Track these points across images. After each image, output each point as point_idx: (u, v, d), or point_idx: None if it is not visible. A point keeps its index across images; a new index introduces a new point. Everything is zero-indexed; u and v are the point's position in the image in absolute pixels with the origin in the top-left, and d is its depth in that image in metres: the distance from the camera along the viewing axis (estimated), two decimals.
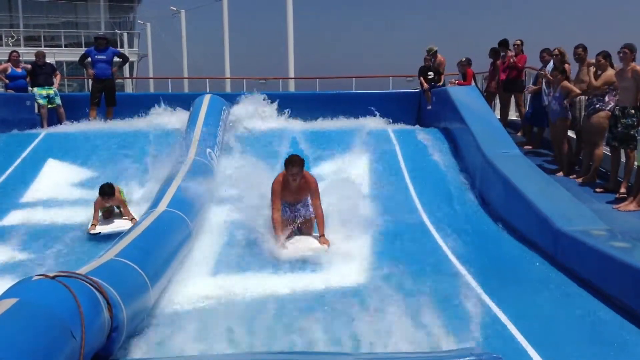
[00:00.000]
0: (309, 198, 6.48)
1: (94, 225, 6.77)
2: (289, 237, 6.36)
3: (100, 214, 6.96)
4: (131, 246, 4.79)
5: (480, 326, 4.42)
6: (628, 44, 7.35)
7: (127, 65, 30.69)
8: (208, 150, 8.50)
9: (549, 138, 10.03)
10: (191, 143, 8.55)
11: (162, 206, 6.17)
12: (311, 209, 6.50)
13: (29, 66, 11.47)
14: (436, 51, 12.25)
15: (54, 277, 3.43)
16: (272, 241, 6.15)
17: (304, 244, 6.25)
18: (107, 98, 11.62)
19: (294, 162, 6.23)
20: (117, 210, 7.19)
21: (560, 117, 8.73)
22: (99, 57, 11.49)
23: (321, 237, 6.27)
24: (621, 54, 7.40)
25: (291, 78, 23.42)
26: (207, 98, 10.37)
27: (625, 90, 7.39)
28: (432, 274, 5.57)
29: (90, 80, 12.03)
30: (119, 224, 6.82)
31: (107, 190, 6.84)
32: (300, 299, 4.98)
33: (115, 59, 11.90)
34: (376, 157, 9.34)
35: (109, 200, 6.90)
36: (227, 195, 7.74)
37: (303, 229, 6.56)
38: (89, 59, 11.61)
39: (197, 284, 5.29)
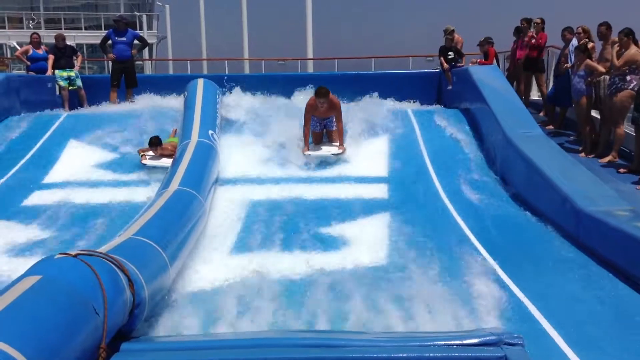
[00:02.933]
0: (334, 116, 8.65)
1: (144, 156, 8.29)
2: (319, 142, 8.85)
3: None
4: (148, 225, 4.83)
5: (500, 306, 4.40)
6: None
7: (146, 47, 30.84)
8: (210, 131, 8.53)
9: (572, 118, 9.89)
10: (192, 125, 8.57)
11: (174, 186, 6.22)
12: (335, 123, 8.72)
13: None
14: (453, 30, 12.09)
15: (75, 256, 3.47)
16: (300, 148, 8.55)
17: (325, 150, 8.59)
18: (127, 80, 11.67)
19: (321, 94, 8.35)
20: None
21: (583, 95, 8.60)
22: (119, 39, 11.52)
23: (340, 146, 8.59)
24: None
25: (310, 59, 23.32)
26: (200, 81, 10.33)
27: None
28: (452, 254, 5.55)
29: (110, 62, 12.07)
30: (163, 162, 8.08)
31: (152, 141, 8.26)
32: (318, 278, 4.99)
33: (135, 41, 11.93)
34: (395, 137, 9.28)
35: (156, 150, 8.21)
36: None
37: (330, 137, 8.92)
38: (110, 41, 11.66)
39: (214, 262, 5.34)
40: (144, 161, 8.18)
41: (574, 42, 9.69)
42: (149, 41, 32.17)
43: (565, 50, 10.01)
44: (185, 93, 10.20)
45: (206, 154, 7.79)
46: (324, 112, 8.57)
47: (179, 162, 7.14)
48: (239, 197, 7.32)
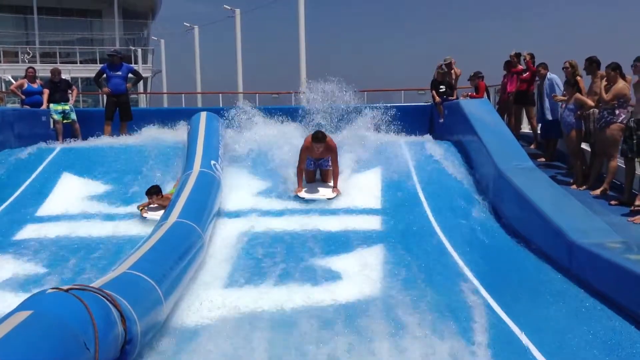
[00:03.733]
0: (329, 157, 8.54)
1: (144, 210, 7.76)
2: (311, 181, 8.77)
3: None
4: (144, 259, 4.81)
5: (494, 340, 4.39)
6: None
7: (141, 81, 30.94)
8: (212, 162, 8.57)
9: (562, 150, 9.99)
10: (195, 156, 8.62)
11: (173, 217, 6.20)
12: (329, 164, 8.64)
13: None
14: (451, 63, 12.29)
15: (67, 290, 3.46)
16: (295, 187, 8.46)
17: (319, 192, 8.43)
18: (122, 113, 11.73)
19: (318, 139, 8.30)
20: None
21: (573, 128, 8.71)
22: (114, 73, 11.62)
23: (334, 188, 8.48)
24: (633, 68, 7.37)
25: (303, 92, 23.46)
26: (204, 114, 10.47)
27: None
28: (445, 286, 5.54)
29: (104, 95, 12.18)
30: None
31: (151, 190, 7.87)
32: (312, 314, 4.96)
33: (130, 75, 12.04)
34: (388, 169, 9.33)
35: (154, 200, 7.79)
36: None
37: (324, 177, 8.85)
38: (104, 76, 11.76)
39: (209, 297, 5.29)
40: (144, 214, 7.70)
41: (549, 75, 9.97)
42: (144, 75, 32.48)
43: (543, 84, 10.23)
44: (189, 125, 10.32)
45: (208, 185, 7.79)
46: (320, 154, 8.52)
47: (180, 193, 7.12)
48: (232, 230, 7.32)
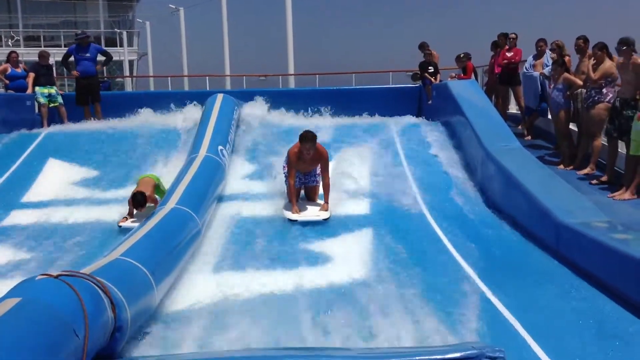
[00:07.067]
0: (318, 168, 7.38)
1: (125, 218, 6.84)
2: (296, 199, 7.32)
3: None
4: (137, 245, 4.79)
5: (482, 320, 4.43)
6: (623, 38, 7.31)
7: (125, 63, 30.43)
8: (220, 147, 8.50)
9: (548, 130, 10.05)
10: (203, 140, 8.56)
11: (171, 203, 6.16)
12: (318, 178, 7.48)
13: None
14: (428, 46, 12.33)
15: (57, 277, 3.44)
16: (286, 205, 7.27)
17: (309, 212, 7.17)
18: (92, 96, 11.52)
19: (307, 138, 7.06)
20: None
21: (562, 108, 8.74)
22: (82, 55, 11.41)
23: (324, 204, 7.20)
24: (618, 49, 7.39)
25: (291, 74, 23.40)
26: (219, 97, 10.43)
27: (627, 82, 7.39)
28: (433, 267, 5.58)
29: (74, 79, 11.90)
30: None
31: (139, 199, 6.66)
32: (301, 296, 4.99)
33: (99, 56, 11.85)
34: (377, 150, 9.34)
35: (140, 209, 6.72)
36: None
37: (309, 195, 7.63)
38: (72, 59, 11.55)
39: (201, 281, 5.30)
40: (121, 223, 6.73)
41: (548, 53, 10.00)
42: (130, 58, 32.13)
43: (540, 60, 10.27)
44: (204, 107, 10.27)
45: (211, 171, 7.73)
46: (309, 162, 7.24)
47: (182, 178, 7.05)
48: (224, 213, 7.32)
